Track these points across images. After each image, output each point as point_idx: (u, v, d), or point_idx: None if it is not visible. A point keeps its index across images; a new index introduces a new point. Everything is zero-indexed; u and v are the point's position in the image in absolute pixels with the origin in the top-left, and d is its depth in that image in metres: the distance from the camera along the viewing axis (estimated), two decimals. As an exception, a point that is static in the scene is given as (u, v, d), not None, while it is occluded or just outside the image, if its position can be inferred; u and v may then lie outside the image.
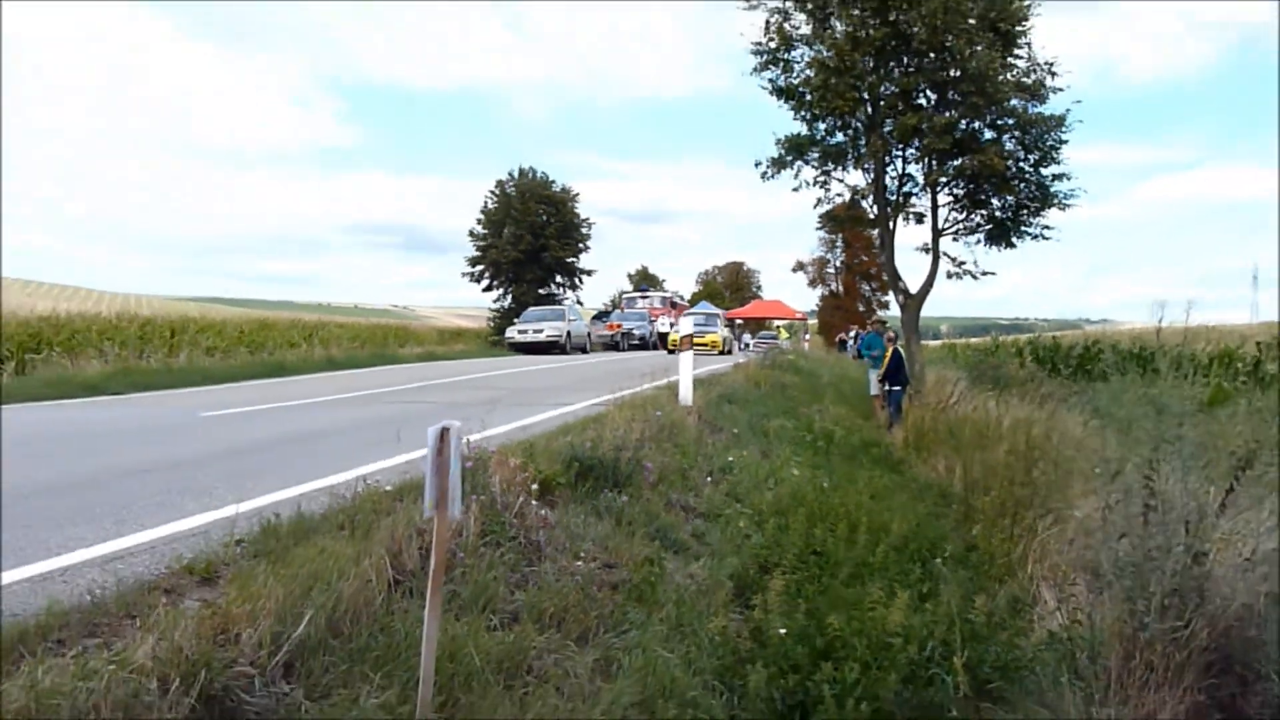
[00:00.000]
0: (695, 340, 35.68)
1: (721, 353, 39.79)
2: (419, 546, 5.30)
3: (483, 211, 56.51)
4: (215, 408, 14.23)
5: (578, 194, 57.91)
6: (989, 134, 24.94)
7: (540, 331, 40.40)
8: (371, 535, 5.40)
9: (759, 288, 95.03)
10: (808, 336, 60.32)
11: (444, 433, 3.75)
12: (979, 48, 23.08)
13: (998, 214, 25.66)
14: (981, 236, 26.10)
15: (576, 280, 57.92)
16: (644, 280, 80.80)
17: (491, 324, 55.18)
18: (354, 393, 17.41)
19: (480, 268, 56.28)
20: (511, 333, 42.01)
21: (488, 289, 57.00)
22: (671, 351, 33.78)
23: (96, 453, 9.94)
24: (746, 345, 52.20)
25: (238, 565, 5.11)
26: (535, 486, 7.12)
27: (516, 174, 56.82)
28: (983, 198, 25.60)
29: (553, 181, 57.28)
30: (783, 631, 5.67)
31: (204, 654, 3.65)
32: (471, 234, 56.50)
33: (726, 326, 47.62)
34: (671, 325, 43.63)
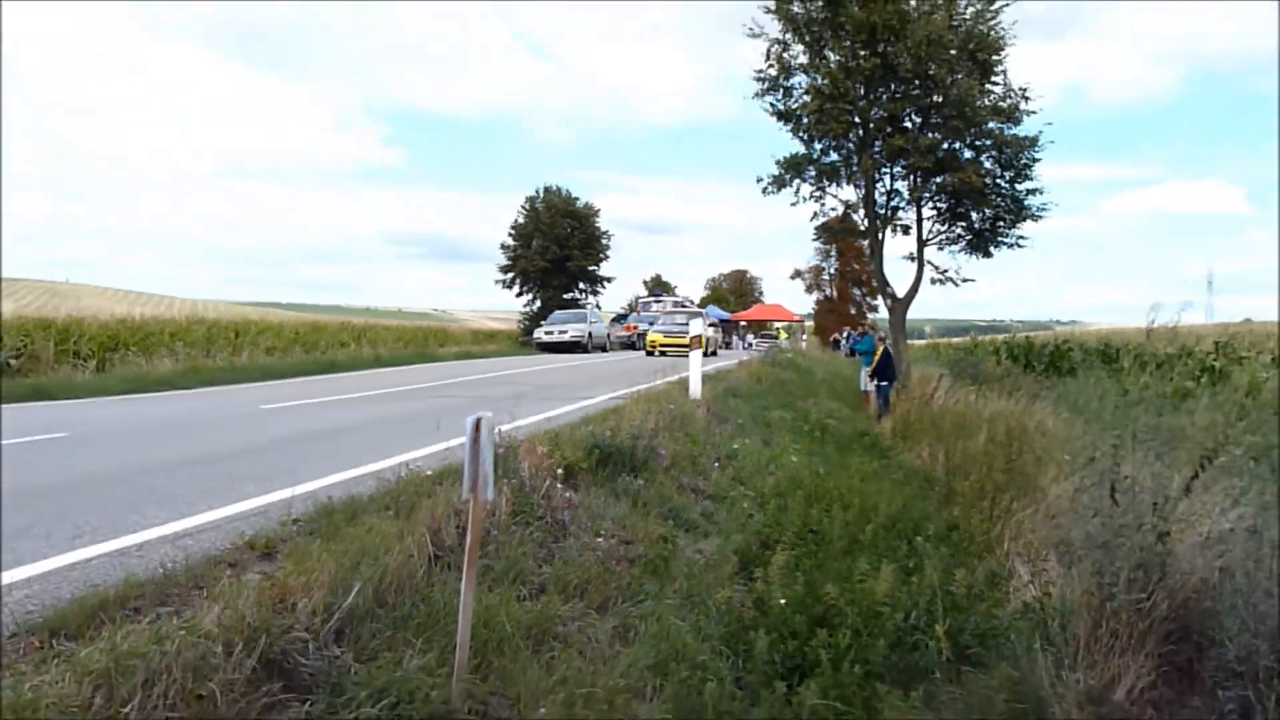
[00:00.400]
0: (667, 341, 34.45)
1: (706, 355, 35.68)
2: (456, 525, 5.31)
3: (513, 225, 56.73)
4: (274, 401, 14.28)
5: (599, 209, 58.05)
6: (968, 153, 24.90)
7: (565, 333, 40.41)
8: (414, 515, 5.41)
9: (761, 293, 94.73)
10: (804, 337, 60.25)
11: (478, 423, 3.75)
12: (959, 76, 23.12)
13: (977, 225, 25.62)
14: (962, 246, 26.08)
15: (597, 286, 58.00)
16: (658, 286, 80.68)
17: (521, 326, 55.24)
18: (398, 388, 17.44)
19: (511, 275, 56.46)
20: (539, 334, 42.08)
21: (518, 294, 57.18)
22: (650, 353, 34.32)
23: (168, 442, 9.98)
24: (750, 345, 52.11)
25: (294, 542, 5.13)
26: (560, 471, 7.12)
27: (543, 191, 57.04)
28: (963, 211, 25.55)
29: (576, 198, 57.43)
30: (783, 601, 5.66)
31: (264, 621, 3.66)
32: (503, 245, 56.74)
33: (713, 326, 40.92)
34: (650, 327, 40.18)
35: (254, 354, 25.50)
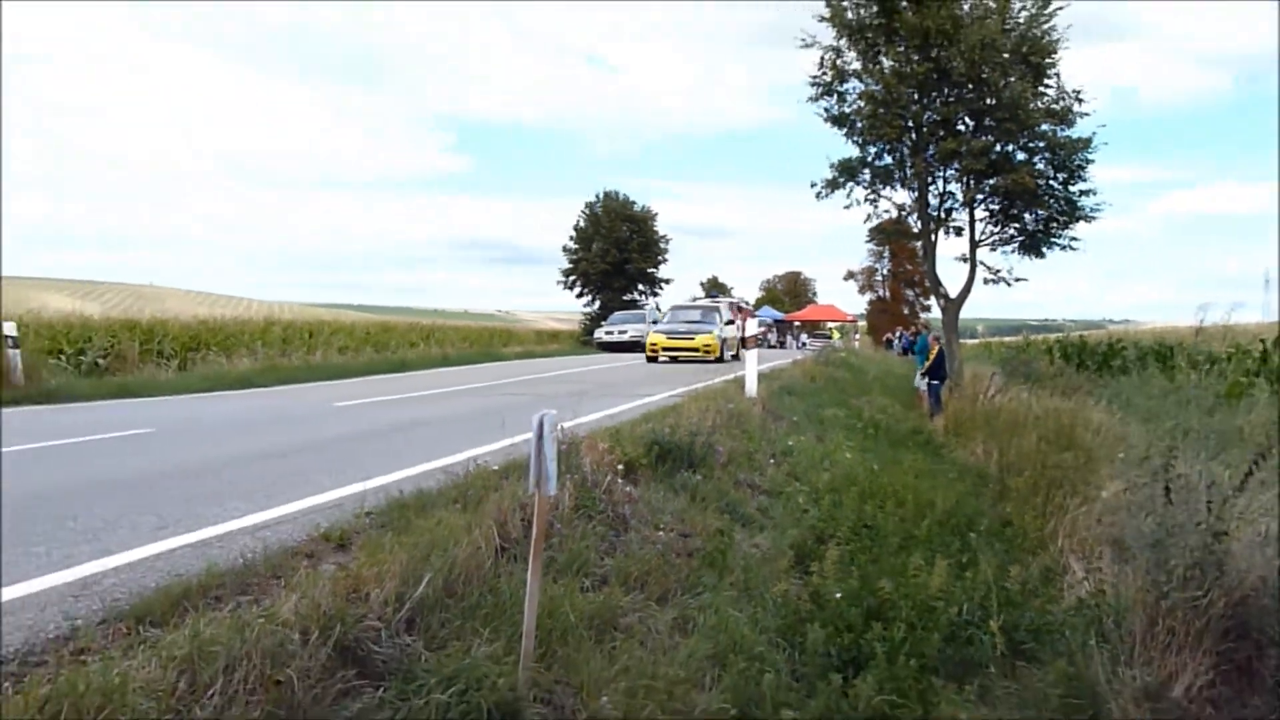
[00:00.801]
0: (673, 344, 27.79)
1: (717, 359, 27.17)
2: (521, 518, 5.32)
3: (574, 229, 57.03)
4: (347, 399, 14.47)
5: (656, 213, 58.10)
6: (1021, 155, 24.41)
7: (625, 333, 40.62)
8: (481, 508, 5.43)
9: (814, 294, 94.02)
10: (857, 337, 59.65)
11: (542, 420, 3.76)
12: (1012, 79, 22.67)
13: (1029, 227, 25.10)
14: (1015, 247, 25.60)
15: (656, 288, 58.04)
16: (714, 288, 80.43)
17: (582, 326, 55.48)
18: (464, 386, 17.59)
19: (572, 277, 56.74)
20: (600, 334, 42.34)
21: (579, 296, 57.46)
22: (651, 359, 27.93)
23: (247, 438, 10.16)
24: (803, 344, 51.76)
25: (367, 534, 5.18)
26: (621, 467, 7.12)
27: (602, 196, 57.22)
28: (1016, 212, 25.07)
29: (633, 202, 57.52)
30: (838, 595, 5.61)
31: (339, 610, 3.69)
32: (565, 248, 57.06)
33: (730, 324, 30.33)
34: (652, 327, 32.45)
35: (327, 353, 25.87)
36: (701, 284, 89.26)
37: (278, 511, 5.95)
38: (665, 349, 27.87)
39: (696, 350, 27.38)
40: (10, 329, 14.68)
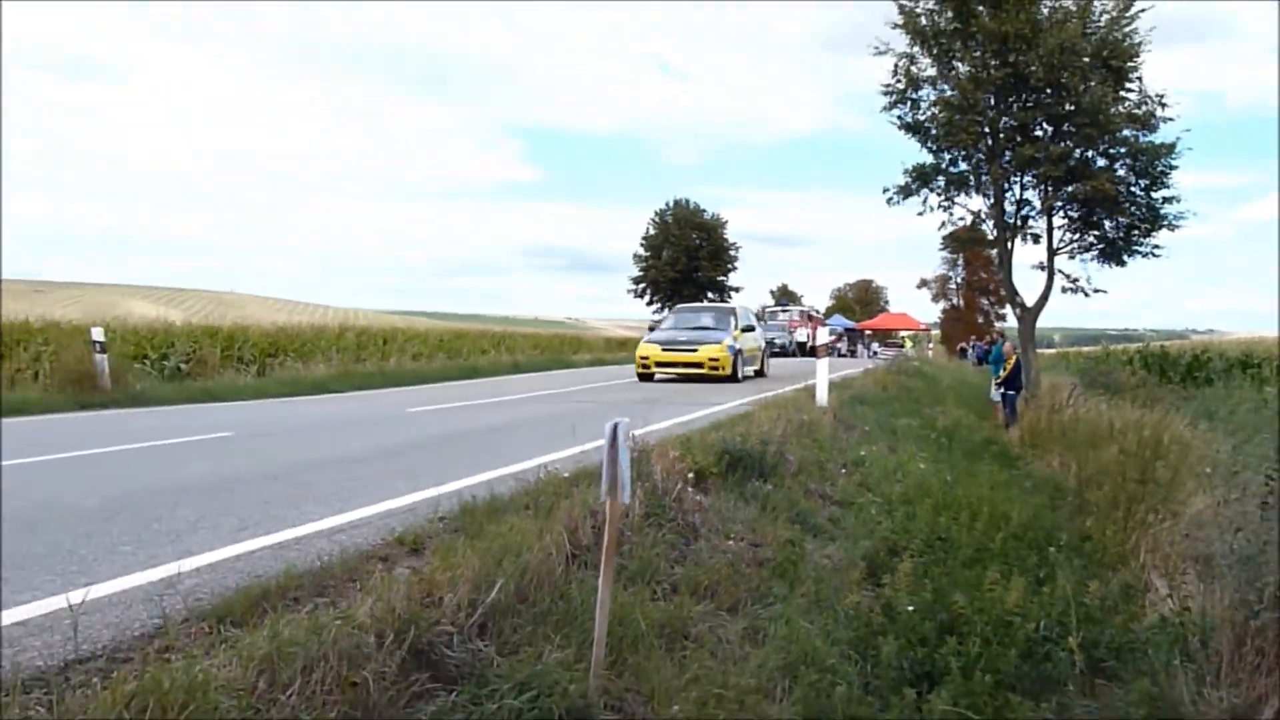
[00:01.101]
0: (668, 358, 20.55)
1: (730, 377, 20.09)
2: (592, 525, 5.34)
3: (644, 236, 57.40)
4: (420, 405, 14.66)
5: (726, 221, 58.07)
6: (1102, 161, 23.79)
7: None
8: (552, 515, 5.46)
9: (886, 302, 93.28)
10: (930, 346, 58.88)
11: (615, 428, 3.77)
12: (1092, 83, 22.11)
13: (1109, 234, 24.48)
14: (1094, 255, 24.98)
15: (725, 296, 58.04)
16: (784, 296, 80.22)
17: (651, 334, 55.61)
18: (535, 393, 17.71)
19: (642, 285, 57.08)
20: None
21: (649, 303, 57.72)
22: (643, 376, 20.73)
23: (323, 442, 10.33)
24: (875, 353, 51.26)
25: (440, 538, 5.24)
26: (691, 475, 7.11)
27: (672, 204, 57.42)
28: (1095, 220, 24.47)
29: (703, 210, 57.64)
30: (911, 608, 5.53)
31: (413, 614, 3.74)
32: (635, 256, 57.39)
33: (750, 330, 22.91)
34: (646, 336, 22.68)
35: (401, 360, 26.23)
36: (771, 292, 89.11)
37: (353, 515, 6.04)
38: (661, 364, 20.59)
39: (700, 366, 20.13)
40: (98, 334, 15.16)
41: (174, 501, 6.41)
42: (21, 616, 3.89)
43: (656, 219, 57.49)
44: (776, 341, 46.95)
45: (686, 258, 55.38)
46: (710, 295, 57.34)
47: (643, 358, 20.86)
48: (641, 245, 57.49)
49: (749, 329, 22.79)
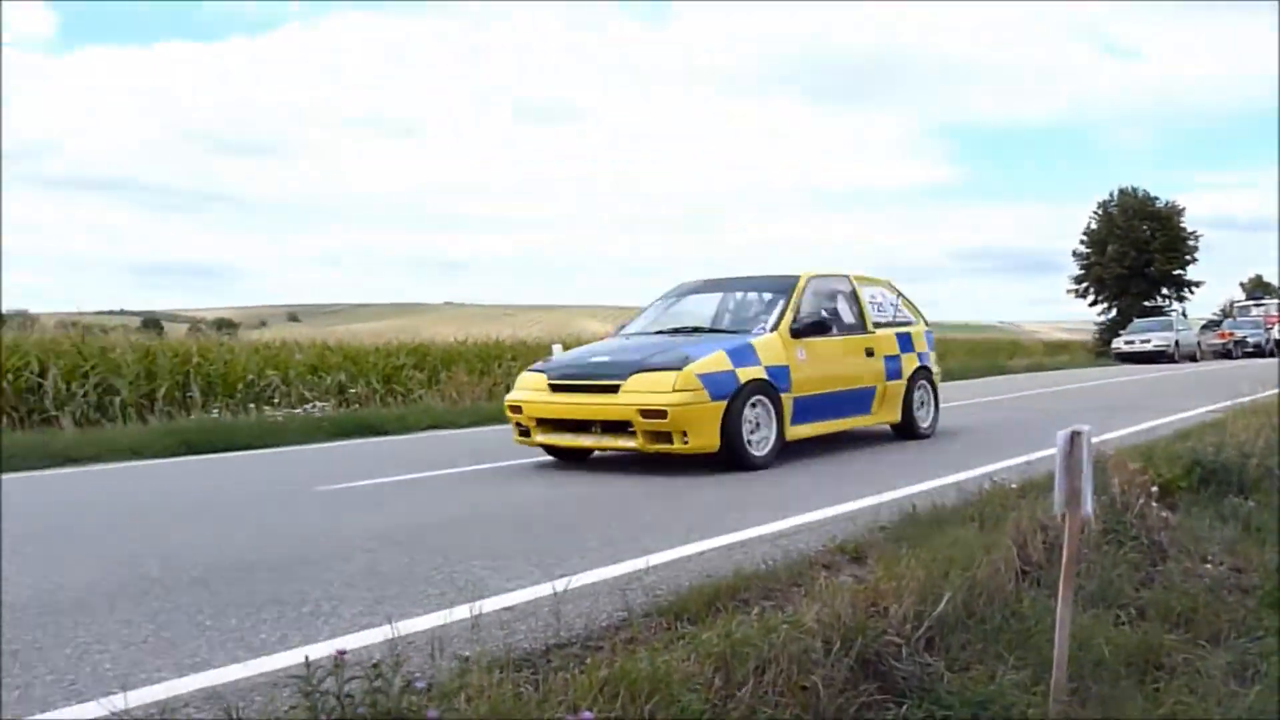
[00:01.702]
0: (557, 411, 8.79)
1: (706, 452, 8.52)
2: (1043, 540, 5.01)
3: (1086, 231, 53.41)
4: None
5: (1183, 208, 52.54)
6: None
7: (1148, 342, 37.45)
8: (998, 528, 5.21)
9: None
10: None
11: (1074, 436, 3.52)
12: None
13: None
14: None
15: (1183, 292, 52.65)
16: (1257, 288, 70.92)
17: (1096, 336, 51.79)
18: (967, 400, 17.05)
19: (1084, 284, 53.19)
20: (1118, 343, 39.38)
21: (1091, 304, 53.73)
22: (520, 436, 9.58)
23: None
24: None
25: (881, 547, 5.18)
26: (1155, 489, 6.49)
27: (1117, 194, 52.94)
28: None
29: (1155, 198, 52.54)
30: None
31: (859, 623, 3.71)
32: (1075, 253, 53.61)
33: (900, 325, 10.98)
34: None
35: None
36: (1241, 284, 79.15)
37: (794, 521, 6.14)
38: (546, 422, 9.21)
39: (626, 425, 8.56)
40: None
41: (630, 505, 6.97)
42: (511, 602, 4.36)
43: (1099, 212, 53.25)
44: (1250, 340, 41.74)
45: (1135, 252, 50.69)
46: (1164, 291, 52.25)
47: (513, 406, 9.50)
48: (1082, 241, 53.47)
49: (901, 323, 11.23)
